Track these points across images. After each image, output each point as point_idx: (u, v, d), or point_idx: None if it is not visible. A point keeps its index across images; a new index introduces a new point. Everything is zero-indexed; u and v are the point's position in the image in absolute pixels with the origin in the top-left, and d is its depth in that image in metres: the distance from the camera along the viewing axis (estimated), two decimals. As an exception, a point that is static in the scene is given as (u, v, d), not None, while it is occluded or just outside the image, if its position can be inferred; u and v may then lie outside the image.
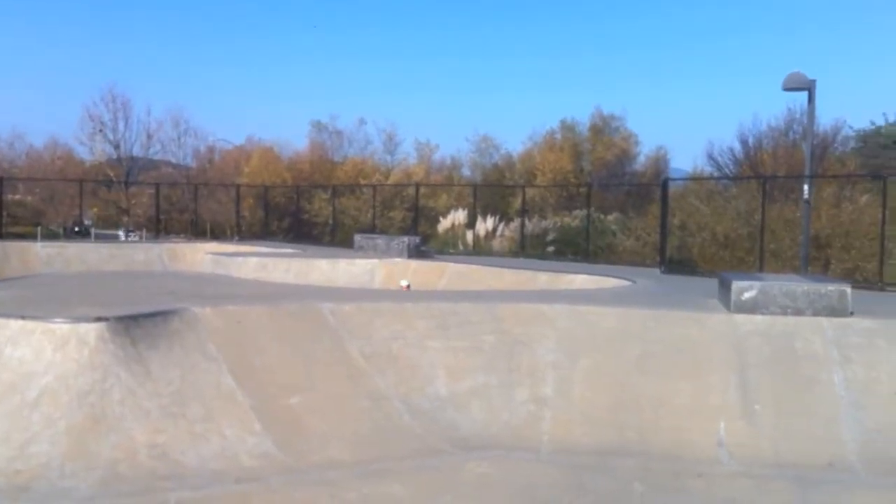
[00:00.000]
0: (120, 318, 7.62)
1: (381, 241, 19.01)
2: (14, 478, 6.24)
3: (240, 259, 17.73)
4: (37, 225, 30.57)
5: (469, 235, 25.02)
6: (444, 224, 26.78)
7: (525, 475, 6.93)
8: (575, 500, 6.33)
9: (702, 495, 6.58)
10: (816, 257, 16.64)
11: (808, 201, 15.23)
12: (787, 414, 7.70)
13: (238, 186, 30.86)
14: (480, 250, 23.47)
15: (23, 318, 7.50)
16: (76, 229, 32.20)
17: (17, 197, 37.96)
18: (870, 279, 13.98)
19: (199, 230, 30.92)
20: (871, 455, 7.26)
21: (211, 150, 45.31)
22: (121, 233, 33.29)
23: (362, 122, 45.57)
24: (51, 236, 28.08)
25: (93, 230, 31.40)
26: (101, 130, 40.82)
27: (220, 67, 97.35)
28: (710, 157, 31.99)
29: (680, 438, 7.59)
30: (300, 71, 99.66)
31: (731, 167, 30.70)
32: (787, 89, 16.01)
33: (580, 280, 14.01)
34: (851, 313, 8.55)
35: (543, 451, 7.58)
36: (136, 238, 27.68)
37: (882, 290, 12.87)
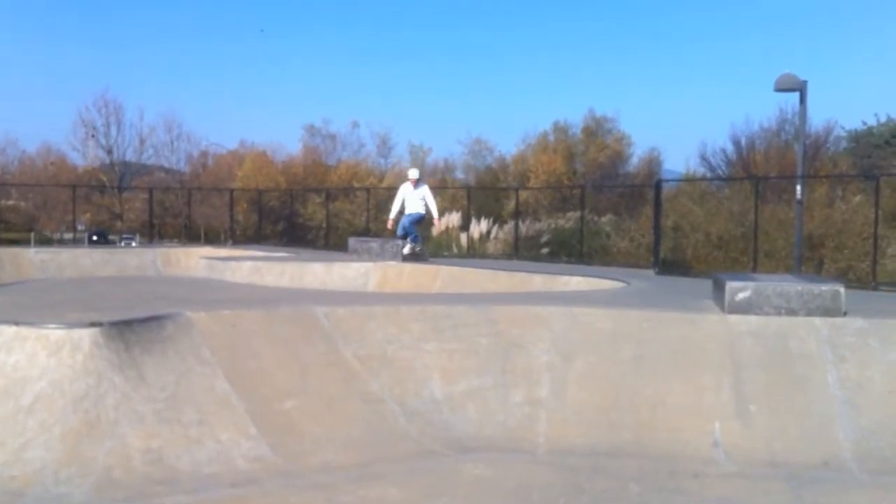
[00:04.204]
0: (114, 324, 7.61)
1: (375, 244, 18.99)
2: (9, 483, 6.22)
3: (234, 263, 17.68)
4: (30, 230, 30.38)
5: (463, 238, 25.00)
6: (439, 227, 26.75)
7: (521, 476, 6.94)
8: (571, 501, 6.34)
9: (698, 495, 6.59)
10: (810, 257, 16.69)
11: (800, 201, 15.27)
12: (782, 414, 7.72)
13: (232, 191, 30.76)
14: (475, 253, 23.47)
15: (16, 323, 7.48)
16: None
17: (11, 202, 37.83)
18: (863, 279, 14.02)
19: (192, 234, 30.82)
20: (866, 454, 7.28)
21: (204, 154, 45.23)
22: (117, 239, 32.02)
23: (355, 125, 45.55)
24: (44, 242, 27.86)
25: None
26: (93, 136, 40.71)
27: (212, 72, 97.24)
28: (703, 158, 32.12)
29: (675, 439, 7.61)
30: (292, 74, 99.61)
31: (724, 168, 30.80)
32: (778, 90, 16.07)
33: (575, 282, 14.02)
34: (845, 313, 8.57)
35: (539, 453, 7.59)
36: (134, 244, 27.26)
37: (875, 289, 12.91)
